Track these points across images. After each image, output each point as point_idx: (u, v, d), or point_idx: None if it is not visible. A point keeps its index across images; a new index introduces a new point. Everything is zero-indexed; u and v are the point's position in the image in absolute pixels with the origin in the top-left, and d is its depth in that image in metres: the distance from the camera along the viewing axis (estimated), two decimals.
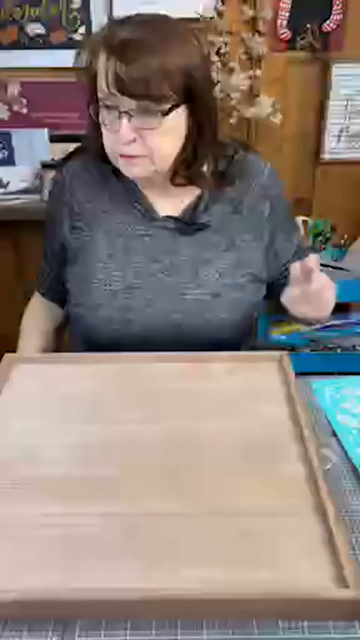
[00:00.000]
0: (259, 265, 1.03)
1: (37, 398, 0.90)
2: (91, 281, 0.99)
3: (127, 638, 0.58)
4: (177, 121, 0.89)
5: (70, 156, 1.06)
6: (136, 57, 0.82)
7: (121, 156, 0.91)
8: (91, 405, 0.88)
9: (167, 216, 0.99)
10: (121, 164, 0.93)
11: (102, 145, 0.93)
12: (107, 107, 0.87)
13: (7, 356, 0.98)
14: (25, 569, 0.62)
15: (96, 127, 0.93)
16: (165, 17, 0.90)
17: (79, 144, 1.07)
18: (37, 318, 1.18)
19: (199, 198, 0.99)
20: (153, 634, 0.58)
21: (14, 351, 1.02)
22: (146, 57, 0.82)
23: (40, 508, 0.69)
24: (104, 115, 0.89)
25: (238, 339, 1.02)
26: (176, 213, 0.99)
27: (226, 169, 1.00)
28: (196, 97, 0.88)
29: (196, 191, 0.99)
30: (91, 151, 0.99)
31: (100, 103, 0.88)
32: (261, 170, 1.03)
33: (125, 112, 0.85)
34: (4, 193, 2.11)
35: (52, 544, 0.65)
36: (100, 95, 0.87)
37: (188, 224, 0.98)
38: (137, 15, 0.89)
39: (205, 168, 0.98)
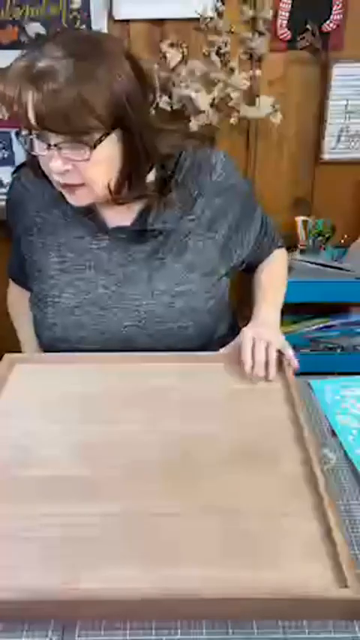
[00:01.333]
0: (214, 262, 1.00)
1: (37, 398, 0.90)
2: (45, 298, 0.99)
3: (127, 638, 0.58)
4: (110, 148, 0.85)
5: (18, 168, 1.04)
6: (52, 90, 0.77)
7: (63, 186, 0.88)
8: (90, 405, 0.88)
9: (118, 227, 0.97)
10: (62, 191, 0.91)
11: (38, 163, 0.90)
12: (37, 137, 0.83)
13: (7, 356, 0.99)
14: (25, 569, 0.62)
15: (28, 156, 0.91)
16: (90, 39, 0.82)
17: (21, 163, 1.05)
18: (20, 306, 1.16)
19: (149, 205, 0.96)
20: (153, 634, 0.58)
21: (14, 351, 1.02)
22: (63, 89, 0.76)
23: (40, 508, 0.70)
24: (36, 145, 0.85)
25: (200, 340, 1.01)
26: (127, 223, 0.97)
27: (171, 174, 0.96)
28: (126, 122, 0.83)
29: (145, 199, 0.95)
30: (36, 173, 0.94)
31: (27, 133, 0.84)
32: (211, 166, 0.97)
33: (54, 144, 0.82)
34: (4, 193, 2.10)
35: (52, 544, 0.65)
36: (25, 125, 0.83)
37: (139, 232, 0.96)
38: (61, 35, 0.82)
39: (149, 178, 0.94)
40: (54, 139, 0.82)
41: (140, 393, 0.90)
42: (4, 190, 2.11)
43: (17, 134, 0.86)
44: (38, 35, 1.96)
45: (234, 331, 1.06)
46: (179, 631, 0.58)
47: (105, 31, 1.93)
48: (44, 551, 0.64)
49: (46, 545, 0.65)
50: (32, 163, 0.93)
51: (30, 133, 0.84)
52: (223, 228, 1.01)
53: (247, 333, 0.96)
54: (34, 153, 0.86)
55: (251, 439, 0.80)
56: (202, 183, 0.97)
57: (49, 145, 0.82)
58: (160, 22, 1.90)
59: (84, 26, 1.95)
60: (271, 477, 0.73)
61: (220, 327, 1.07)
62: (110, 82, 0.80)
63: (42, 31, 1.96)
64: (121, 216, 0.96)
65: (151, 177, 0.95)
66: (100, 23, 1.94)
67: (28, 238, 1.02)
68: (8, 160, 2.11)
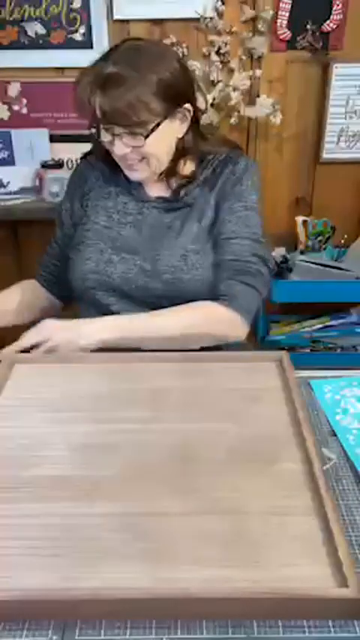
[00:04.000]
0: (214, 231, 1.13)
1: (37, 398, 0.90)
2: (86, 240, 1.16)
3: (127, 638, 0.58)
4: (164, 132, 1.04)
5: (86, 154, 1.25)
6: (115, 91, 0.98)
7: (124, 163, 1.09)
8: (91, 404, 0.88)
9: (158, 197, 1.15)
10: (124, 168, 1.12)
11: (106, 151, 1.10)
12: (103, 129, 1.04)
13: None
14: (25, 569, 0.62)
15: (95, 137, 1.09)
16: (141, 47, 1.03)
17: (78, 143, 1.26)
18: (22, 286, 1.30)
19: (182, 184, 1.14)
20: (153, 634, 0.58)
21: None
22: (123, 91, 0.98)
23: (41, 508, 0.70)
24: (103, 134, 1.05)
25: (203, 292, 1.09)
26: (165, 195, 1.15)
27: (205, 166, 1.15)
28: (177, 109, 1.05)
29: (181, 179, 1.14)
30: (97, 156, 1.18)
31: (95, 125, 1.05)
32: (236, 160, 1.15)
33: (116, 134, 1.03)
34: (4, 193, 2.11)
35: (52, 544, 0.65)
36: (95, 119, 1.04)
37: (172, 202, 1.14)
38: (122, 46, 1.03)
39: (189, 167, 1.15)
40: (116, 130, 1.03)
41: (140, 392, 0.90)
42: (4, 190, 2.11)
43: (89, 125, 1.07)
44: (38, 35, 1.96)
45: None
46: (179, 631, 0.58)
47: (105, 31, 1.94)
48: (44, 551, 0.64)
49: (46, 545, 0.65)
50: (96, 149, 1.15)
51: (98, 126, 1.05)
52: (219, 208, 1.13)
53: (46, 322, 1.03)
54: (100, 140, 1.06)
55: (251, 439, 0.80)
56: (222, 171, 1.14)
57: (113, 134, 1.04)
58: (160, 22, 1.90)
59: (84, 26, 1.95)
60: (271, 477, 0.73)
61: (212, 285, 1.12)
62: (162, 80, 1.00)
63: (42, 31, 1.96)
64: (160, 190, 1.16)
65: (191, 166, 1.15)
66: (100, 23, 1.94)
67: (85, 202, 1.21)
68: (8, 160, 2.11)
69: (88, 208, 1.20)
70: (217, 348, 1.06)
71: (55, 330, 1.01)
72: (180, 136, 1.09)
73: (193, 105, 1.09)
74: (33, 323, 1.21)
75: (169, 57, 1.05)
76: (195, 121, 1.11)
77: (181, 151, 1.11)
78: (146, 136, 1.02)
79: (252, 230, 1.11)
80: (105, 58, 1.02)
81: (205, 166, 1.15)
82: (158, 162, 1.09)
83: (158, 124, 1.03)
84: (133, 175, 1.12)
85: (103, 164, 1.18)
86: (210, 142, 1.17)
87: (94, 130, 1.07)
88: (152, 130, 1.03)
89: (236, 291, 1.07)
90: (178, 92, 1.04)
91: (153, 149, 1.05)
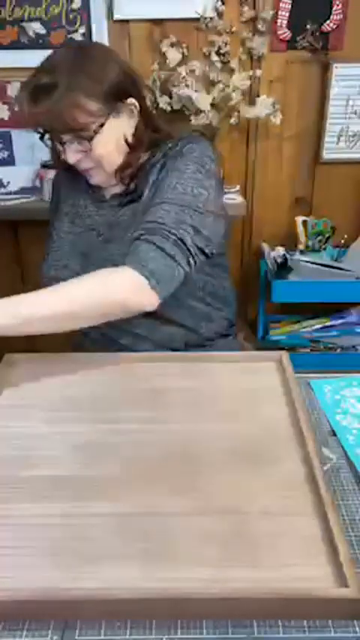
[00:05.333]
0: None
1: (37, 398, 0.90)
2: (50, 248, 1.17)
3: (127, 638, 0.58)
4: (110, 132, 1.02)
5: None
6: (46, 101, 0.96)
7: (82, 170, 1.08)
8: (91, 404, 0.88)
9: (113, 195, 1.14)
10: (84, 175, 1.10)
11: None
12: (50, 138, 1.04)
13: (7, 356, 0.99)
14: (25, 569, 0.62)
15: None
16: (75, 52, 1.01)
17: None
18: None
19: (133, 175, 1.11)
20: (153, 634, 0.58)
21: (14, 351, 1.02)
22: (55, 98, 0.95)
23: (41, 508, 0.70)
24: (53, 144, 1.05)
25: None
26: (119, 191, 1.14)
27: (161, 149, 1.10)
28: (120, 105, 1.03)
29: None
30: (55, 163, 1.15)
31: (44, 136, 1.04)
32: (185, 142, 1.07)
33: (63, 142, 1.02)
34: (4, 193, 2.11)
35: (52, 544, 0.65)
36: (38, 131, 1.04)
37: (127, 195, 1.12)
38: (54, 54, 1.01)
39: (142, 158, 1.11)
40: (62, 137, 1.02)
41: (140, 393, 0.90)
42: (4, 190, 2.11)
43: (41, 137, 1.06)
44: (38, 35, 1.96)
45: (231, 323, 1.21)
46: (179, 631, 0.58)
47: (105, 31, 1.94)
48: (44, 551, 0.64)
49: (46, 545, 0.65)
50: (53, 157, 1.13)
51: (43, 135, 1.04)
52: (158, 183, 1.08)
53: None
54: (53, 147, 1.07)
55: (251, 439, 0.80)
56: (173, 153, 1.08)
57: (61, 143, 1.03)
58: (160, 22, 1.90)
59: (84, 26, 1.95)
60: (271, 477, 0.73)
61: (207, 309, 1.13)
62: (94, 86, 0.98)
63: (42, 31, 1.96)
64: (115, 187, 1.14)
65: (144, 157, 1.11)
66: (100, 23, 1.94)
67: (57, 212, 1.22)
68: (8, 160, 2.11)
69: (56, 219, 1.20)
70: (216, 347, 1.05)
71: None
72: (131, 131, 1.06)
73: (138, 99, 1.05)
74: None
75: (100, 56, 1.02)
76: (144, 114, 1.08)
77: (134, 147, 1.07)
78: (90, 139, 1.00)
79: (184, 197, 0.98)
80: (38, 68, 1.00)
81: (154, 154, 1.11)
82: (110, 163, 1.06)
83: (101, 125, 1.00)
84: (93, 180, 1.10)
85: (64, 170, 1.16)
86: (176, 129, 1.14)
87: (48, 140, 1.06)
88: (95, 132, 1.00)
89: (138, 250, 0.95)
90: (117, 89, 1.01)
91: (102, 150, 1.03)
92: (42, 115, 0.98)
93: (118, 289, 0.92)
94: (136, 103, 1.05)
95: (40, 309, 0.90)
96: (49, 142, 1.07)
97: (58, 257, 1.15)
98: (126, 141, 1.06)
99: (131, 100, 1.04)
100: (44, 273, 1.15)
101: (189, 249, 0.97)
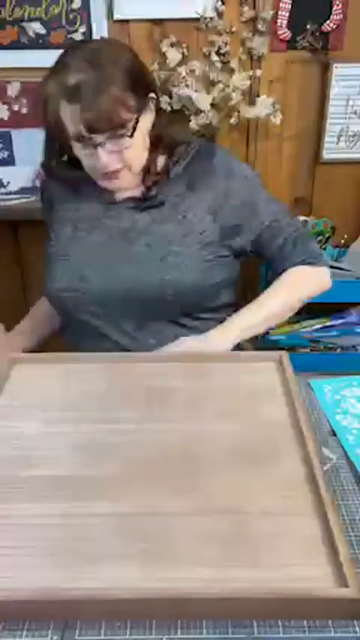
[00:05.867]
0: (213, 236, 1.08)
1: (37, 398, 0.90)
2: (57, 258, 1.10)
3: (127, 638, 0.58)
4: (141, 129, 1.00)
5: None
6: (95, 99, 0.92)
7: (104, 174, 1.02)
8: (91, 404, 0.88)
9: (127, 198, 1.09)
10: (102, 180, 1.05)
11: (65, 162, 1.07)
12: (79, 141, 0.98)
13: (7, 356, 0.99)
14: (25, 569, 0.62)
15: (51, 148, 1.07)
16: (93, 47, 0.98)
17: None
18: (35, 315, 1.27)
19: (155, 178, 1.08)
20: (153, 634, 0.58)
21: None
22: (103, 96, 0.92)
23: (41, 508, 0.70)
24: (77, 147, 1.00)
25: (185, 303, 1.07)
26: (135, 194, 1.09)
27: (178, 159, 1.10)
28: (146, 106, 1.02)
29: (153, 176, 1.09)
30: (57, 174, 1.13)
31: (73, 140, 0.99)
32: (213, 153, 1.11)
33: (98, 143, 0.97)
34: (4, 193, 2.10)
35: (52, 544, 0.65)
36: (70, 135, 0.98)
37: (144, 201, 1.08)
38: (73, 52, 0.96)
39: (160, 161, 1.09)
40: (98, 138, 0.97)
41: (140, 392, 0.90)
42: (4, 190, 2.11)
43: (49, 143, 1.05)
44: (38, 35, 1.96)
45: None
46: (179, 631, 0.58)
47: (105, 31, 1.94)
48: (44, 551, 0.64)
49: (46, 545, 0.65)
50: (57, 166, 1.10)
51: (73, 141, 0.99)
52: (225, 210, 1.09)
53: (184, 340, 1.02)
54: (79, 156, 1.02)
55: (251, 439, 0.80)
56: (201, 166, 1.09)
57: (94, 145, 0.97)
58: (160, 22, 1.90)
59: (84, 26, 1.95)
60: (271, 477, 0.73)
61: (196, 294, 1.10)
62: (127, 78, 0.95)
63: (42, 31, 1.96)
64: (130, 191, 1.09)
65: (162, 160, 1.09)
66: (100, 23, 1.94)
67: (51, 214, 1.17)
68: (8, 160, 2.11)
69: (53, 222, 1.15)
70: (167, 310, 1.07)
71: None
72: (150, 128, 1.04)
73: (155, 92, 1.04)
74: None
75: (121, 48, 1.00)
76: (159, 110, 1.07)
77: (155, 145, 1.06)
78: (130, 135, 0.98)
79: (277, 207, 1.14)
80: (62, 69, 0.95)
81: (177, 160, 1.09)
82: (139, 163, 1.04)
83: (137, 121, 0.98)
84: (113, 184, 1.05)
85: (62, 172, 1.12)
86: (176, 130, 1.13)
87: (71, 149, 1.01)
88: (134, 128, 0.98)
89: (301, 252, 1.11)
90: (143, 81, 1.00)
91: (135, 149, 1.01)
92: (88, 114, 0.93)
93: (324, 281, 1.15)
94: (155, 97, 1.03)
95: (264, 319, 1.08)
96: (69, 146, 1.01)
97: (67, 266, 1.09)
98: (150, 139, 1.04)
99: (152, 95, 1.03)
100: (55, 286, 1.09)
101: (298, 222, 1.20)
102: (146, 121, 1.02)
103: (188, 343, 1.01)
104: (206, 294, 1.09)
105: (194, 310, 1.09)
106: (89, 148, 0.98)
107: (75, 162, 1.06)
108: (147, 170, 1.06)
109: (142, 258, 1.05)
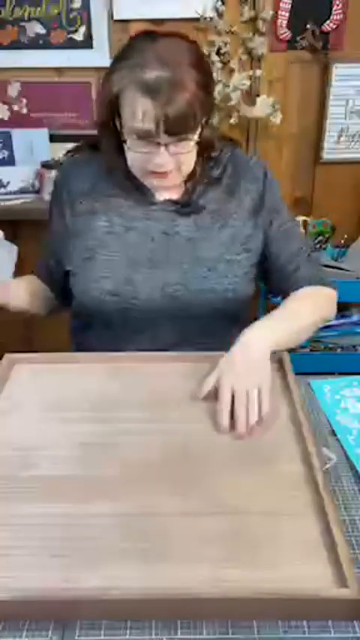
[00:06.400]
0: (256, 241, 1.07)
1: (37, 398, 0.90)
2: (94, 255, 1.04)
3: (127, 638, 0.58)
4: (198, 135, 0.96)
5: (69, 154, 1.13)
6: (176, 96, 0.87)
7: (153, 173, 0.97)
8: (91, 404, 0.88)
9: (167, 200, 1.04)
10: (146, 178, 1.00)
11: (116, 152, 1.00)
12: (141, 138, 0.92)
13: (7, 356, 0.99)
14: (25, 569, 0.62)
15: (112, 141, 0.99)
16: (179, 44, 0.92)
17: (77, 144, 1.13)
18: (33, 281, 1.21)
19: (196, 183, 1.04)
20: (153, 634, 0.58)
21: (14, 351, 1.02)
22: (183, 93, 0.87)
23: (40, 508, 0.69)
24: (135, 144, 0.93)
25: (233, 311, 1.06)
26: (175, 197, 1.05)
27: (215, 162, 1.06)
28: (213, 104, 0.98)
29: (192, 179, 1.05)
30: (106, 157, 1.03)
31: (134, 136, 0.92)
32: (246, 158, 1.10)
33: (164, 143, 0.91)
34: (4, 193, 2.11)
35: (52, 544, 0.65)
36: (137, 131, 0.91)
37: (185, 206, 1.04)
38: (150, 44, 0.90)
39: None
40: (168, 139, 0.91)
41: (140, 392, 0.90)
42: (4, 190, 2.11)
43: (103, 124, 0.97)
44: (38, 35, 1.96)
45: None
46: (179, 631, 0.58)
47: (105, 31, 1.94)
48: (44, 551, 0.64)
49: (46, 545, 0.65)
50: (113, 160, 1.02)
51: (133, 135, 0.92)
52: (264, 213, 1.07)
53: (225, 381, 0.84)
54: (135, 152, 0.95)
55: (251, 439, 0.80)
56: (238, 172, 1.06)
57: (158, 144, 0.91)
58: (160, 22, 1.90)
59: (84, 26, 1.95)
60: (271, 477, 0.73)
61: (240, 301, 1.08)
62: (204, 78, 0.91)
63: (42, 31, 1.96)
64: (169, 192, 1.04)
65: (198, 165, 1.03)
66: (100, 23, 1.94)
67: (77, 207, 1.07)
68: (8, 160, 2.11)
69: (81, 216, 1.06)
70: (212, 319, 1.04)
71: (248, 378, 0.85)
72: (205, 134, 0.98)
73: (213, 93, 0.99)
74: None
75: (192, 44, 0.94)
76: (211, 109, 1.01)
77: (204, 148, 1.01)
78: (199, 139, 0.94)
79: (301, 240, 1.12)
80: (136, 62, 0.89)
81: (214, 165, 1.05)
82: (190, 166, 0.99)
83: (206, 123, 0.95)
84: (161, 183, 0.99)
85: (93, 160, 1.06)
86: (216, 133, 1.08)
87: (124, 140, 0.95)
88: (202, 133, 0.94)
89: (315, 272, 1.08)
90: (210, 79, 0.96)
91: (192, 152, 0.96)
92: (167, 111, 0.87)
93: (328, 306, 1.08)
94: (215, 98, 1.01)
95: (295, 333, 0.99)
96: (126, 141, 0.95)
97: (111, 266, 1.03)
98: (203, 141, 0.98)
99: (214, 95, 0.98)
100: (97, 286, 1.02)
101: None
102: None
103: (229, 384, 0.84)
104: (246, 303, 1.08)
105: (231, 322, 1.04)
106: (150, 147, 0.93)
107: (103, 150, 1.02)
108: (192, 174, 1.02)
109: (190, 265, 1.02)
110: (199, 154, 1.00)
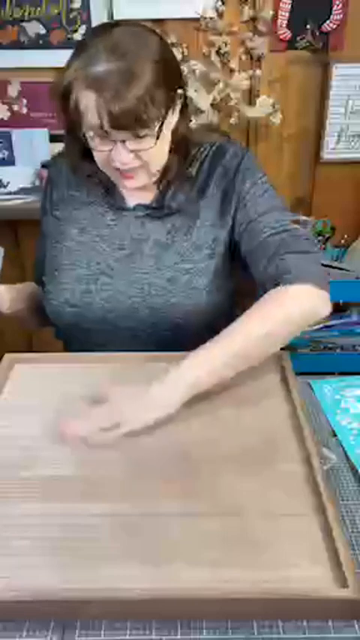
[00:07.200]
0: (222, 246, 1.01)
1: (37, 398, 0.90)
2: (60, 266, 1.04)
3: (127, 638, 0.58)
4: (164, 131, 0.91)
5: (55, 158, 1.15)
6: (122, 91, 0.83)
7: (119, 171, 0.94)
8: (90, 405, 0.87)
9: (138, 205, 1.02)
10: (116, 178, 0.97)
11: (81, 154, 0.98)
12: (99, 136, 0.89)
13: (7, 356, 0.99)
14: (25, 569, 0.62)
15: (75, 143, 0.95)
16: (121, 33, 0.87)
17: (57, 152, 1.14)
18: (28, 287, 1.21)
19: (166, 187, 1.01)
20: (153, 634, 0.58)
21: (14, 351, 1.02)
22: (132, 89, 0.83)
23: (41, 508, 0.69)
24: (95, 142, 0.90)
25: (197, 324, 0.99)
26: (147, 201, 1.02)
27: (191, 161, 1.02)
28: (175, 99, 0.93)
29: (163, 181, 1.01)
30: (70, 160, 1.03)
31: (91, 133, 0.89)
32: (224, 151, 1.02)
33: (120, 140, 0.88)
34: (4, 193, 2.11)
35: (52, 544, 0.65)
36: (88, 127, 0.88)
37: (157, 210, 1.01)
38: (99, 38, 0.87)
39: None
40: (120, 135, 0.87)
41: None
42: (4, 190, 2.11)
43: (67, 130, 0.94)
44: (38, 35, 1.96)
45: None
46: (179, 631, 0.58)
47: None
48: (44, 551, 0.64)
49: (46, 545, 0.65)
50: (74, 158, 1.01)
51: (92, 134, 0.89)
52: (230, 209, 1.00)
53: (115, 396, 0.82)
54: (97, 150, 0.92)
55: (251, 439, 0.80)
56: (213, 168, 1.02)
57: (114, 141, 0.88)
58: (160, 22, 1.90)
59: (84, 26, 1.95)
60: (271, 477, 0.73)
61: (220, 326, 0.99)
62: (157, 71, 0.86)
63: (42, 31, 1.96)
64: (139, 196, 1.02)
65: (175, 163, 0.99)
66: (100, 23, 1.94)
67: (54, 213, 1.09)
68: (8, 160, 2.11)
69: (59, 221, 1.07)
70: (175, 332, 1.00)
71: (131, 413, 0.80)
72: (173, 127, 0.95)
73: (183, 87, 0.95)
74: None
75: (150, 34, 0.89)
76: (185, 108, 0.97)
77: (178, 147, 0.97)
78: (157, 136, 0.89)
79: (278, 203, 1.00)
80: (86, 54, 0.85)
81: (190, 163, 1.00)
82: (158, 164, 0.95)
83: (164, 119, 0.89)
84: (130, 183, 0.96)
85: (71, 168, 1.05)
86: (197, 130, 1.04)
87: (86, 139, 0.91)
88: (161, 128, 0.89)
89: (294, 265, 0.90)
90: (173, 74, 0.91)
91: (157, 149, 0.92)
92: (113, 106, 0.83)
93: (303, 307, 0.88)
94: (183, 93, 0.95)
95: (233, 367, 0.84)
96: (87, 139, 0.91)
97: (67, 280, 1.02)
98: (173, 139, 0.95)
99: (180, 91, 0.94)
100: (58, 298, 1.02)
101: (310, 239, 0.98)
102: (172, 119, 0.94)
103: (121, 405, 0.81)
104: (210, 320, 0.98)
105: (194, 332, 0.95)
106: (107, 144, 0.90)
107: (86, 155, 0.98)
108: (164, 173, 0.98)
109: (152, 278, 0.99)
110: (174, 152, 0.97)
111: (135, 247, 1.01)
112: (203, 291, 0.99)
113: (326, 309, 0.90)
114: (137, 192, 1.01)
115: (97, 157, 0.94)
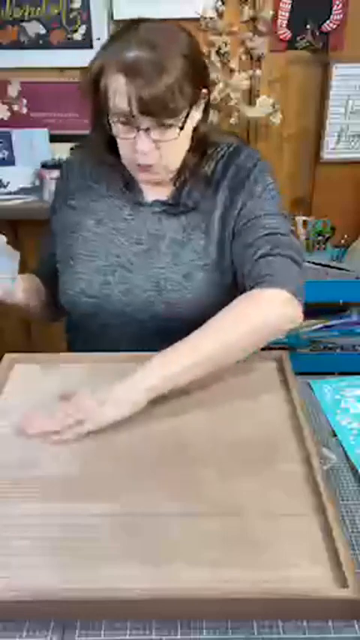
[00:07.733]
0: (227, 245, 1.02)
1: (37, 398, 0.90)
2: (76, 255, 1.05)
3: (127, 638, 0.58)
4: (188, 125, 0.93)
5: (74, 149, 1.14)
6: (153, 78, 0.85)
7: (139, 165, 0.95)
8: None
9: (155, 200, 1.03)
10: (135, 171, 0.98)
11: (105, 144, 0.99)
12: (124, 123, 0.90)
13: (7, 356, 0.99)
14: (25, 569, 0.62)
15: (101, 131, 0.96)
16: (157, 27, 0.92)
17: (81, 140, 1.13)
18: (31, 279, 1.19)
19: (184, 182, 1.02)
20: (153, 634, 0.58)
21: (14, 351, 1.02)
22: (162, 77, 0.85)
23: (41, 508, 0.69)
24: (119, 129, 0.92)
25: (199, 316, 0.95)
26: (164, 197, 1.03)
27: (207, 160, 1.03)
28: (200, 97, 0.95)
29: (180, 178, 1.03)
30: (94, 149, 1.04)
31: (115, 119, 0.91)
32: (239, 153, 1.04)
33: (144, 128, 0.89)
34: (4, 193, 2.11)
35: (52, 544, 0.65)
36: (115, 112, 0.90)
37: (173, 206, 1.02)
38: (136, 28, 0.91)
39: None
40: (146, 122, 0.89)
41: None
42: (4, 190, 2.11)
43: (95, 115, 0.95)
44: (38, 35, 1.96)
45: None
46: (179, 631, 0.58)
47: (105, 31, 1.94)
48: (44, 551, 0.64)
49: (46, 545, 0.65)
50: (94, 141, 1.01)
51: (117, 121, 0.90)
52: (237, 205, 1.00)
53: (80, 395, 0.83)
54: (120, 137, 0.93)
55: (251, 439, 0.80)
56: (227, 167, 1.03)
57: (139, 130, 0.89)
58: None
59: (84, 26, 1.95)
60: (271, 477, 0.73)
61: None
62: (187, 66, 0.88)
63: (42, 31, 1.96)
64: (157, 192, 1.03)
65: (192, 162, 1.01)
66: (100, 23, 1.94)
67: (70, 202, 1.09)
68: (8, 160, 2.11)
69: (74, 210, 1.07)
70: (191, 327, 0.95)
71: (95, 411, 0.81)
72: (195, 125, 0.97)
73: (208, 87, 0.97)
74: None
75: (180, 32, 0.93)
76: (208, 108, 0.99)
77: (198, 145, 0.99)
78: (181, 127, 0.90)
79: (283, 211, 1.01)
80: (119, 43, 0.89)
81: (207, 162, 1.02)
82: (177, 160, 0.97)
83: (188, 113, 0.92)
84: (147, 177, 0.98)
85: (92, 161, 1.06)
86: (212, 130, 1.05)
87: (109, 126, 0.93)
88: (185, 120, 0.91)
89: (279, 268, 0.91)
90: (201, 71, 0.93)
91: (177, 145, 0.93)
92: (144, 91, 0.85)
93: (275, 313, 0.88)
94: (207, 93, 0.97)
95: (203, 368, 0.84)
96: (109, 126, 0.93)
97: (85, 270, 1.03)
98: (193, 137, 0.97)
99: (205, 90, 0.96)
100: (75, 288, 1.03)
101: (299, 249, 0.98)
102: (195, 116, 0.95)
103: (85, 403, 0.81)
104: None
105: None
106: (131, 132, 0.91)
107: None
108: (181, 170, 1.00)
109: (167, 272, 1.00)
110: (192, 150, 0.99)
111: (152, 243, 1.02)
112: (218, 286, 1.01)
113: (299, 319, 0.91)
114: (155, 187, 1.02)
115: (121, 145, 0.95)
